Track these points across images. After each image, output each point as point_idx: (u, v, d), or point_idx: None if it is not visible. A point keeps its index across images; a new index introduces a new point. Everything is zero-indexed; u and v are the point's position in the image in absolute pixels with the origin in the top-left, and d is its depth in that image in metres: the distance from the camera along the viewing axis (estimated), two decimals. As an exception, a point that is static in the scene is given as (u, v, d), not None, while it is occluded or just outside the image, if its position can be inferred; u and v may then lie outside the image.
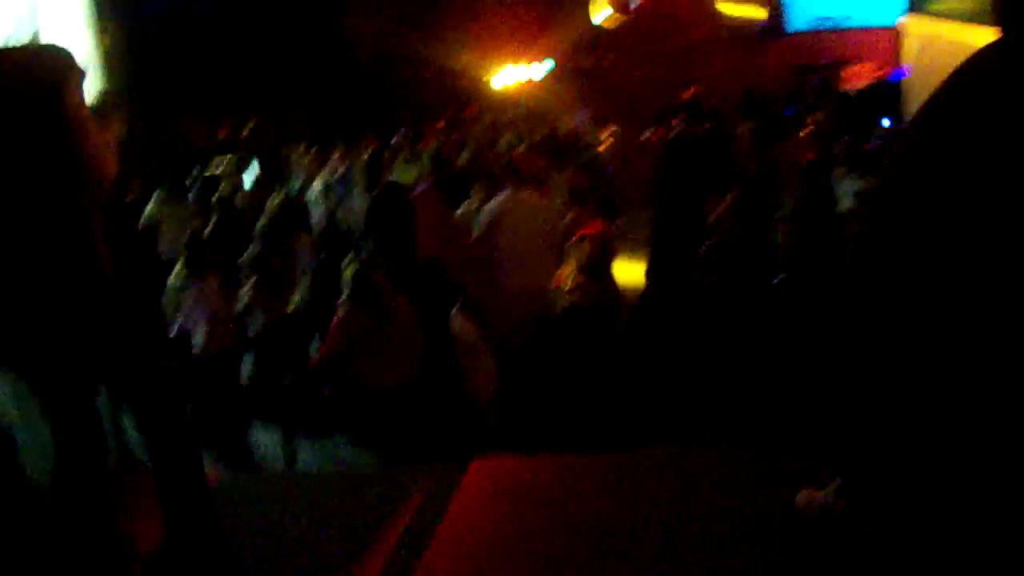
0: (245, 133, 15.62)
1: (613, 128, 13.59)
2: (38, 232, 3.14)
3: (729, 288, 8.64)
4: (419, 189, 4.21)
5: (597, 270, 5.36)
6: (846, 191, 8.73)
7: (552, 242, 7.76)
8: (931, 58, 6.17)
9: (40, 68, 3.15)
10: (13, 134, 3.09)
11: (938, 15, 5.94)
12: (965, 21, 5.32)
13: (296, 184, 12.33)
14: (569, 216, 8.11)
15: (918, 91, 6.59)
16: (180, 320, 7.09)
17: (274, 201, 9.79)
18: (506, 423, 6.46)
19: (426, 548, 3.66)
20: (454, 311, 5.91)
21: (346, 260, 6.03)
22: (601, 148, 12.97)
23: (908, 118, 6.98)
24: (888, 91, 18.95)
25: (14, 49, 3.21)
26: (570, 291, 5.64)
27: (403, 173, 10.62)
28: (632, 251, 9.20)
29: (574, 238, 5.73)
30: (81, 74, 3.20)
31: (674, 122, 12.33)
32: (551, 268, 7.40)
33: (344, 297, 5.78)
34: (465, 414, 5.65)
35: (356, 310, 5.61)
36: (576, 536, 3.63)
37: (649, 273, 9.91)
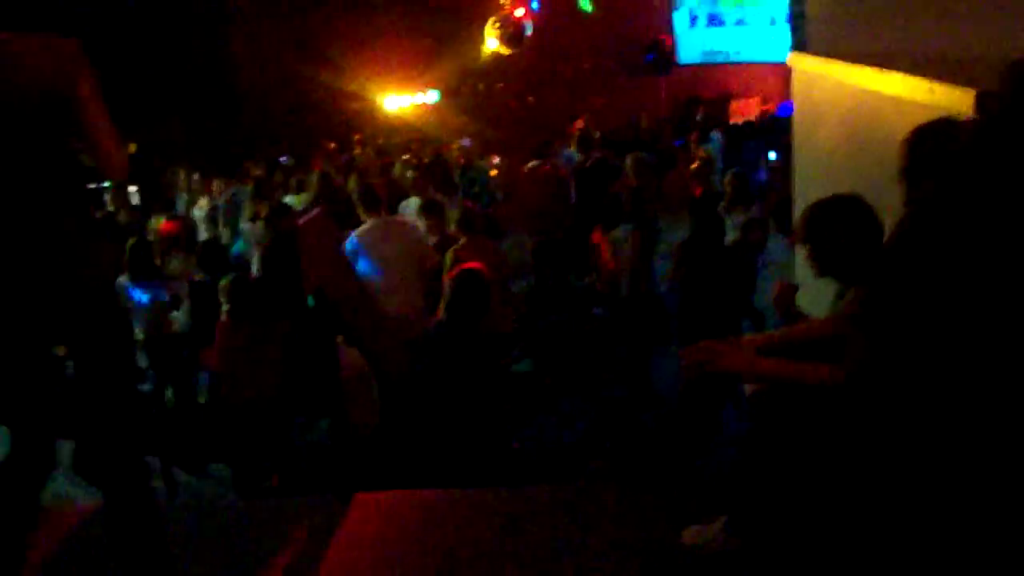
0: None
1: (499, 157, 13.68)
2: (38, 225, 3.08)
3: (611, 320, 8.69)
4: (308, 216, 4.10)
5: (466, 308, 5.32)
6: (733, 223, 8.85)
7: (421, 268, 7.79)
8: (819, 94, 6.28)
9: (54, 59, 3.07)
10: (27, 125, 3.03)
11: (826, 55, 6.08)
12: (852, 61, 5.45)
13: (180, 205, 12.12)
14: (461, 241, 8.10)
15: (806, 126, 6.68)
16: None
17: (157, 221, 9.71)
18: (388, 455, 6.39)
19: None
20: (340, 340, 5.82)
21: (224, 279, 5.96)
22: (491, 174, 13.02)
23: (796, 151, 7.08)
24: (775, 125, 19.38)
25: (21, 37, 3.06)
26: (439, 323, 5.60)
27: (293, 198, 10.53)
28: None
29: (455, 271, 5.67)
30: (89, 63, 3.14)
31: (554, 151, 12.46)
32: (420, 294, 7.43)
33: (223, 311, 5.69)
34: (348, 445, 5.56)
35: (233, 324, 5.52)
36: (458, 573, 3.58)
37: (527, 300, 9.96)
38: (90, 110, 3.13)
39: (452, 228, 8.51)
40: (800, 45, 6.98)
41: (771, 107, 21.12)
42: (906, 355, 2.68)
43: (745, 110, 21.15)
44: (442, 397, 5.15)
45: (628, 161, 10.14)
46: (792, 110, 7.35)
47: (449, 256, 8.23)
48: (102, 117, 3.18)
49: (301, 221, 3.94)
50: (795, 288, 3.68)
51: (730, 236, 8.75)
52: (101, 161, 3.22)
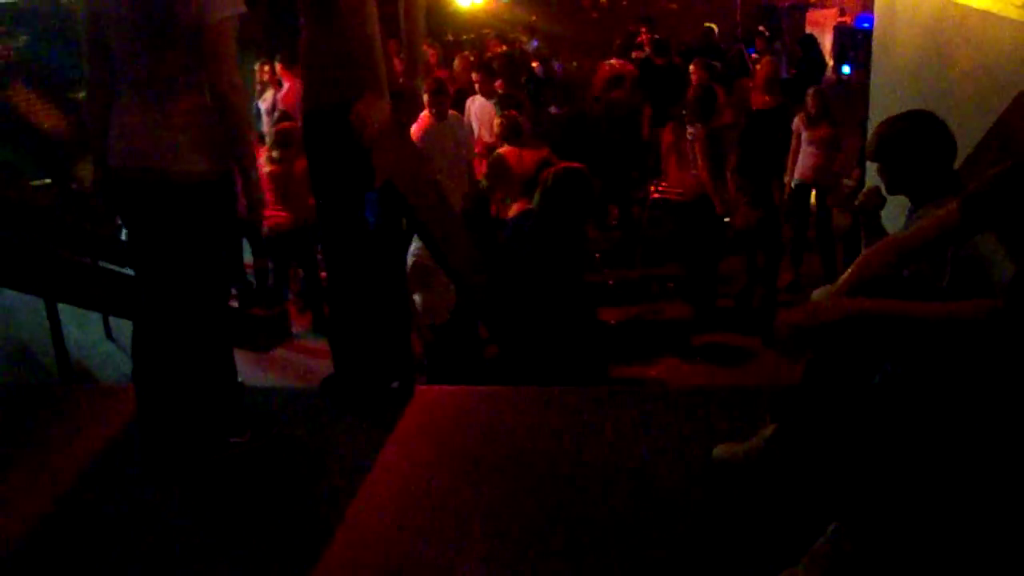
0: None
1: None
2: None
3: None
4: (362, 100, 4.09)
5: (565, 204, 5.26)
6: (811, 140, 8.77)
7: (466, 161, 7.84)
8: (901, 5, 6.12)
9: None
10: None
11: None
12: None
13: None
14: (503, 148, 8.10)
15: (886, 40, 6.53)
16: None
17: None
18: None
19: (367, 472, 3.62)
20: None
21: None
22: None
23: (874, 66, 6.95)
24: (851, 37, 18.99)
25: None
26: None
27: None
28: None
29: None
30: None
31: (635, 54, 12.34)
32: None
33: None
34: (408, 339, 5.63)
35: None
36: (516, 467, 3.62)
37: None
38: None
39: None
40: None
41: (848, 19, 20.71)
42: None
43: (822, 20, 20.75)
44: (534, 295, 5.16)
45: (692, 66, 10.04)
46: (870, 22, 7.19)
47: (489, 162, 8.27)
48: None
49: (359, 106, 3.90)
50: (883, 198, 3.59)
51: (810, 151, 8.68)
52: None
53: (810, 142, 8.80)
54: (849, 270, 2.96)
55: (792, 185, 8.97)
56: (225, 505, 3.50)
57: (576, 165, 5.51)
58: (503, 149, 7.79)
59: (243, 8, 3.36)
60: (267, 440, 3.80)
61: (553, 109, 10.44)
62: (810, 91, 9.10)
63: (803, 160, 8.91)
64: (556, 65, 12.93)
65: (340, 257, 4.16)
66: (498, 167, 7.34)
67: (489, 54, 12.44)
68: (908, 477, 2.61)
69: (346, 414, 4.14)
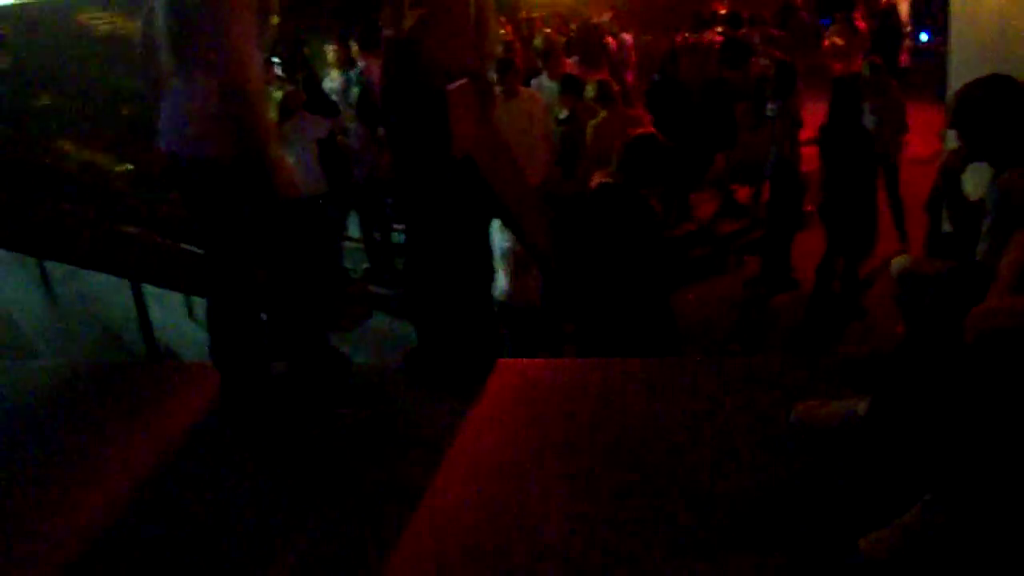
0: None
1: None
2: None
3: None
4: (456, 83, 4.12)
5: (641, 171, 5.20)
6: (870, 109, 8.67)
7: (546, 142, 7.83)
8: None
9: None
10: None
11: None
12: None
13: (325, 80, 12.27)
14: (601, 115, 8.11)
15: (968, 5, 6.42)
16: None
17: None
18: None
19: (451, 445, 3.66)
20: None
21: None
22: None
23: (953, 33, 6.83)
24: (928, 3, 18.60)
25: None
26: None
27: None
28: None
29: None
30: None
31: (716, 28, 12.30)
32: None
33: None
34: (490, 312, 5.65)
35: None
36: (597, 437, 3.63)
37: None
38: None
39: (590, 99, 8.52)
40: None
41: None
42: None
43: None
44: (610, 271, 5.16)
45: (756, 38, 9.99)
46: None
47: (589, 130, 8.26)
48: None
49: (450, 88, 3.96)
50: (964, 162, 3.52)
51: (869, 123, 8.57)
52: None
53: (871, 111, 8.69)
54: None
55: None
56: (314, 475, 3.55)
57: (649, 131, 5.46)
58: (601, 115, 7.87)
59: None
60: (371, 413, 3.86)
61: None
62: (864, 59, 9.01)
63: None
64: (628, 39, 12.92)
65: (421, 229, 4.21)
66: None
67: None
68: (1008, 453, 2.58)
69: (429, 387, 4.20)
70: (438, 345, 4.28)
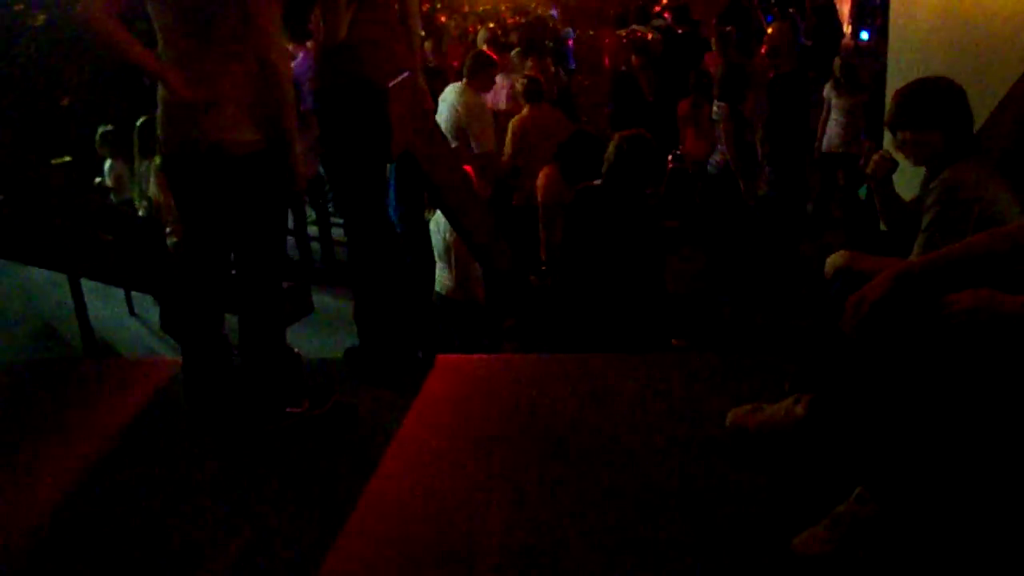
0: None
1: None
2: None
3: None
4: (397, 78, 4.13)
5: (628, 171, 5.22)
6: (841, 108, 8.77)
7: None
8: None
9: None
10: None
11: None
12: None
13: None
14: (524, 110, 8.17)
15: (905, 6, 6.48)
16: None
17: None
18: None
19: (392, 440, 3.68)
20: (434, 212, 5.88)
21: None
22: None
23: (892, 31, 6.90)
24: (869, 2, 18.77)
25: None
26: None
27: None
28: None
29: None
30: None
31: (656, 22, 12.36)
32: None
33: None
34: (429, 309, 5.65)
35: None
36: (535, 433, 3.66)
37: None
38: None
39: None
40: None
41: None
42: None
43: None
44: (607, 269, 5.16)
45: (713, 38, 10.04)
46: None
47: (511, 127, 8.30)
48: None
49: (391, 84, 3.95)
50: (894, 163, 3.56)
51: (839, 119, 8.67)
52: None
53: (839, 111, 8.78)
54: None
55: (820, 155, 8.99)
56: (252, 475, 3.53)
57: (637, 132, 5.47)
58: (524, 112, 7.87)
59: None
60: (325, 410, 3.84)
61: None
62: (838, 58, 9.09)
63: (831, 130, 8.90)
64: (570, 34, 12.96)
65: (360, 230, 4.20)
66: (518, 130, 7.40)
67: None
68: (938, 447, 2.63)
69: (369, 384, 4.20)
70: (378, 342, 4.27)
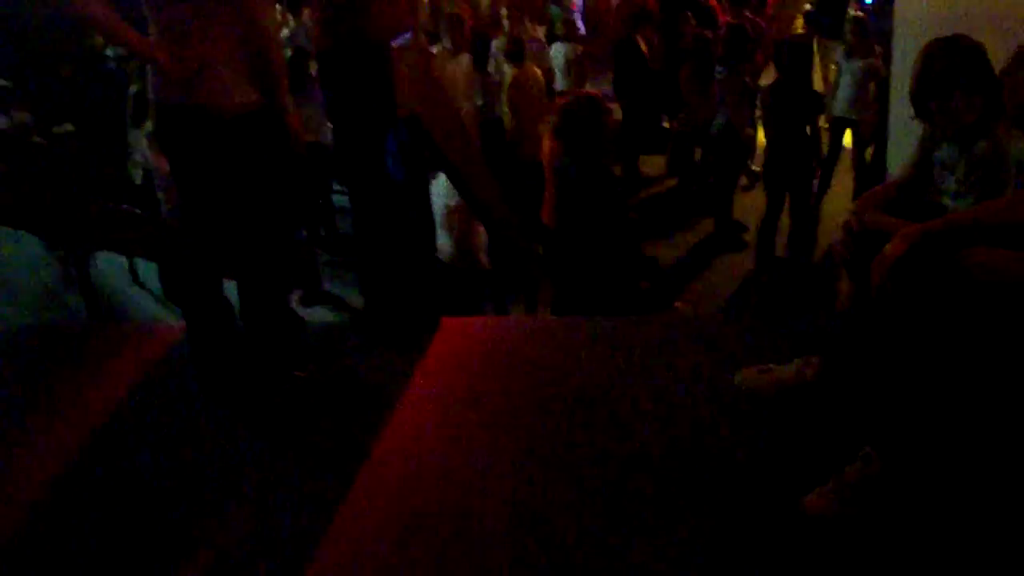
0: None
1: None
2: None
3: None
4: (399, 40, 4.09)
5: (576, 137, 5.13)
6: (852, 70, 8.72)
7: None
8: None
9: None
10: None
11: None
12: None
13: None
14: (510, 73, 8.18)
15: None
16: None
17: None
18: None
19: (397, 403, 3.66)
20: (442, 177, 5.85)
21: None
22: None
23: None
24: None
25: None
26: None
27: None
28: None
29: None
30: None
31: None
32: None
33: None
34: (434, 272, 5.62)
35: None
36: (538, 394, 3.64)
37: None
38: None
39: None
40: None
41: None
42: None
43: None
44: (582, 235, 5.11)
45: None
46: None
47: (504, 90, 8.38)
48: None
49: (395, 46, 3.93)
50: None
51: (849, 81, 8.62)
52: None
53: (849, 75, 8.73)
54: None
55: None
56: (257, 437, 3.54)
57: (588, 92, 5.41)
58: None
59: None
60: (328, 375, 3.84)
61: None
62: (848, 21, 9.02)
63: (841, 93, 8.85)
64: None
65: (365, 193, 4.18)
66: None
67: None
68: (949, 408, 2.63)
69: (374, 346, 4.20)
70: (383, 305, 4.27)
